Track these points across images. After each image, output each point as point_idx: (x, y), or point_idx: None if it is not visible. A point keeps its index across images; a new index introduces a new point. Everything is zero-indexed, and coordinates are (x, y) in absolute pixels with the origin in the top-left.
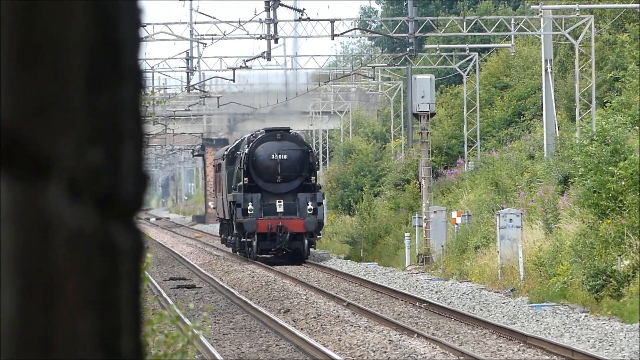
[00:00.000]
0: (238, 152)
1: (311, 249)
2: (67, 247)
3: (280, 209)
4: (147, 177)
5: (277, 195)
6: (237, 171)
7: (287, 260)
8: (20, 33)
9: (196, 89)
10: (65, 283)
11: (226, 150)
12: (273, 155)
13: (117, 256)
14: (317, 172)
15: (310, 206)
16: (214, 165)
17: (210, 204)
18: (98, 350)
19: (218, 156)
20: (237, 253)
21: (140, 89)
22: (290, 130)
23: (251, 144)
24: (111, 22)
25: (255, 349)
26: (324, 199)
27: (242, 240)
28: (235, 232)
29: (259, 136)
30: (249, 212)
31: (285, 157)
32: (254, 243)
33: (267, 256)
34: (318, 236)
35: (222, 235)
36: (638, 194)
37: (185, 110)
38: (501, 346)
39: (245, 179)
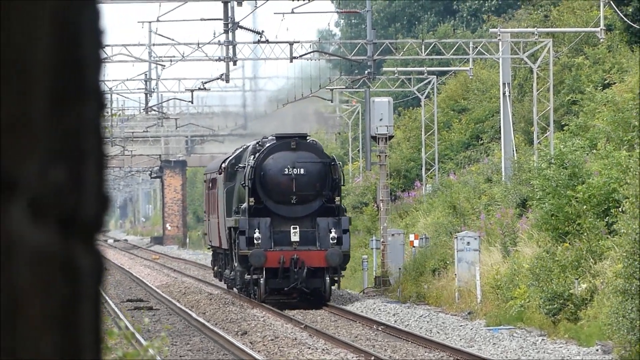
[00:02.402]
0: (240, 165)
1: (333, 289)
2: (29, 268)
3: (295, 237)
4: (108, 198)
5: (291, 220)
6: (240, 189)
7: (303, 302)
8: None
9: (154, 110)
10: (27, 303)
11: (224, 162)
12: (286, 170)
13: (79, 277)
14: (342, 189)
15: (333, 234)
16: (205, 182)
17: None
18: None
19: (211, 169)
20: (235, 291)
21: (102, 109)
22: (308, 138)
23: (258, 154)
24: (74, 43)
25: None
26: (350, 224)
27: (247, 277)
28: (236, 266)
29: (268, 145)
30: (255, 241)
31: (302, 171)
32: (262, 281)
33: (276, 296)
34: (342, 272)
35: (216, 268)
36: (596, 217)
37: (144, 131)
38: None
39: (251, 199)
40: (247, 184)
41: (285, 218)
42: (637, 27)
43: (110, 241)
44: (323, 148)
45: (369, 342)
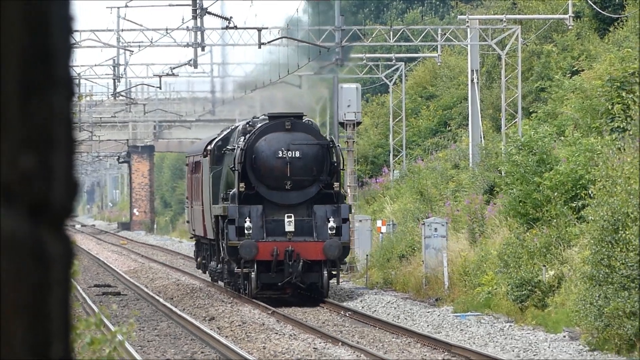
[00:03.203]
0: (228, 147)
1: (332, 283)
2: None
3: (289, 227)
4: (78, 185)
5: (285, 208)
6: (228, 174)
7: (298, 299)
8: None
9: (122, 95)
10: None
11: (209, 143)
12: (280, 152)
13: (49, 263)
14: (342, 174)
15: (332, 223)
16: (187, 165)
17: (187, 218)
18: (30, 355)
19: (194, 151)
20: (221, 284)
21: (71, 97)
22: (304, 117)
23: (249, 135)
24: (44, 30)
25: (180, 356)
26: (351, 212)
27: (236, 270)
28: (224, 258)
29: (260, 125)
30: (246, 231)
31: (298, 154)
32: (253, 275)
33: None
34: (342, 265)
35: (199, 259)
36: (564, 204)
37: (112, 117)
38: (425, 355)
39: (241, 184)
40: (236, 168)
41: (279, 206)
42: (606, 14)
43: (78, 226)
44: (319, 129)
45: (337, 328)
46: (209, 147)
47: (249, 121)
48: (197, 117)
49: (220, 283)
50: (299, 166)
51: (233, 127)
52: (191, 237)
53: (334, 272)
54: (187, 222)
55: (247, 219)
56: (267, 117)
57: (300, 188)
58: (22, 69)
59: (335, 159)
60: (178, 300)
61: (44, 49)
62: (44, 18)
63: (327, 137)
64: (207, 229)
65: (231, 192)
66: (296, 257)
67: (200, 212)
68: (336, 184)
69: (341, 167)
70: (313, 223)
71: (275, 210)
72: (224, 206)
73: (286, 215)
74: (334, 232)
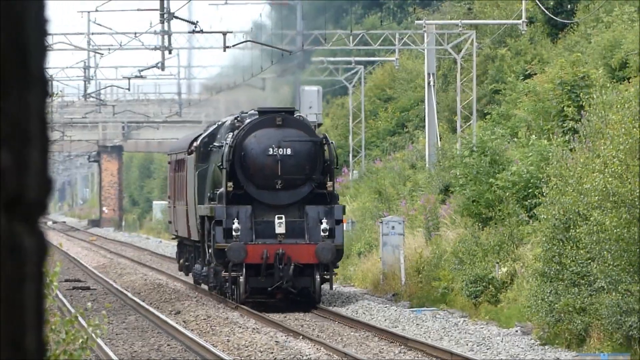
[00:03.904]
0: (215, 144)
1: (324, 288)
2: None
3: (280, 229)
4: (52, 181)
5: (276, 208)
6: (215, 172)
7: (289, 304)
8: None
9: (93, 97)
10: None
11: (195, 140)
12: (271, 150)
13: (23, 257)
14: (336, 173)
15: (325, 225)
16: (169, 163)
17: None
18: (6, 347)
19: (177, 149)
20: (205, 288)
21: (46, 96)
22: (295, 113)
23: (237, 131)
24: (19, 28)
25: (147, 349)
26: (344, 213)
27: (224, 274)
28: (211, 261)
29: (249, 120)
30: (234, 233)
31: (289, 151)
32: (242, 279)
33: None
34: (335, 269)
35: (181, 261)
36: (516, 203)
37: (82, 117)
38: (383, 348)
39: (229, 184)
40: (224, 166)
41: (269, 206)
42: (558, 19)
43: (50, 223)
44: (311, 126)
45: (298, 322)
46: (194, 144)
47: (237, 116)
48: (165, 118)
49: (204, 286)
50: (291, 164)
51: (220, 122)
52: (173, 238)
53: (326, 277)
54: (169, 222)
55: (236, 220)
56: (256, 112)
57: (291, 187)
58: None
59: (328, 157)
60: (145, 294)
61: (20, 49)
62: (19, 19)
63: (321, 134)
64: (192, 230)
65: (218, 192)
66: (287, 260)
67: (184, 212)
68: (329, 184)
69: (335, 166)
70: (305, 224)
71: (265, 210)
72: (210, 206)
73: (277, 216)
74: (327, 234)
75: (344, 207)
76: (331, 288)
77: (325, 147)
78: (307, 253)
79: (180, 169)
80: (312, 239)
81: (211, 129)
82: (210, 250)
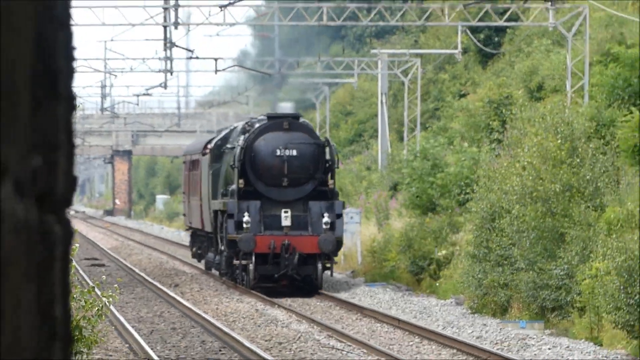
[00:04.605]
0: (228, 146)
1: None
2: (14, 234)
3: (286, 222)
4: (76, 179)
5: (282, 203)
6: (227, 171)
7: (294, 290)
8: None
9: (107, 110)
10: (13, 262)
11: (209, 142)
12: (278, 151)
13: (52, 242)
14: (336, 172)
15: (326, 219)
16: (184, 163)
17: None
18: (37, 315)
19: (192, 151)
20: (216, 273)
21: (72, 110)
22: (300, 118)
23: (248, 134)
24: (51, 56)
25: (151, 314)
26: (344, 208)
27: (235, 262)
28: (223, 250)
29: (259, 125)
30: (244, 225)
31: (295, 153)
32: (251, 267)
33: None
34: (335, 258)
35: (194, 249)
36: (452, 199)
37: (99, 127)
38: (343, 315)
39: (241, 181)
40: (236, 166)
41: (276, 201)
42: (487, 50)
43: (72, 212)
44: (314, 130)
45: (273, 294)
46: (208, 146)
47: (248, 121)
48: (166, 128)
49: (215, 272)
50: (296, 164)
51: (232, 127)
52: (187, 229)
53: (328, 265)
54: (184, 215)
55: (246, 214)
56: (265, 118)
57: (296, 185)
58: (33, 87)
59: (329, 158)
60: (150, 270)
61: (51, 71)
62: (52, 47)
63: (323, 138)
64: (205, 222)
65: (230, 188)
66: (292, 250)
67: (198, 207)
68: (331, 182)
69: (336, 166)
70: (308, 218)
71: (272, 205)
72: (223, 202)
73: (283, 210)
74: (328, 226)
75: (343, 202)
76: (331, 275)
77: (327, 149)
78: (310, 244)
79: (194, 168)
80: (314, 231)
81: (224, 132)
82: (222, 241)
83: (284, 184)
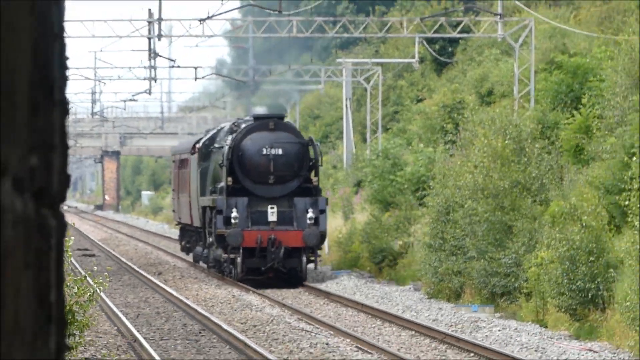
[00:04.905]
0: (215, 146)
1: (310, 268)
2: (14, 227)
3: (272, 217)
4: (69, 177)
5: (268, 200)
6: (215, 169)
7: (279, 281)
8: None
9: (97, 115)
10: (12, 252)
11: (197, 142)
12: (264, 150)
13: (48, 233)
14: (320, 170)
15: (310, 214)
16: (174, 162)
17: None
18: (34, 300)
19: (181, 150)
20: (203, 265)
21: (66, 114)
22: (285, 119)
23: (236, 134)
24: (47, 65)
25: (137, 300)
26: (327, 205)
27: (224, 256)
28: (212, 244)
29: (246, 125)
30: (232, 220)
31: (280, 151)
32: (239, 260)
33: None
34: (319, 252)
35: (183, 242)
36: (410, 194)
37: (90, 130)
38: (311, 300)
39: (229, 179)
40: (225, 164)
41: (263, 198)
42: (442, 59)
43: (65, 207)
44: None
45: (249, 282)
46: (197, 146)
47: (235, 122)
48: (151, 130)
49: (202, 264)
50: (281, 162)
51: (219, 127)
52: (176, 224)
53: (312, 258)
54: (173, 211)
55: (234, 210)
56: (251, 118)
57: (282, 182)
58: (30, 93)
59: (313, 156)
60: (136, 260)
61: (47, 79)
62: (47, 57)
63: (307, 137)
64: (194, 218)
65: (219, 186)
66: (278, 244)
67: (187, 203)
68: (314, 179)
69: (319, 164)
70: (294, 214)
71: (259, 202)
72: (212, 198)
73: (269, 206)
74: (312, 222)
75: (326, 199)
76: (315, 268)
77: (311, 148)
78: (295, 238)
79: (183, 166)
80: (299, 226)
81: (211, 133)
82: (211, 236)
83: (270, 182)
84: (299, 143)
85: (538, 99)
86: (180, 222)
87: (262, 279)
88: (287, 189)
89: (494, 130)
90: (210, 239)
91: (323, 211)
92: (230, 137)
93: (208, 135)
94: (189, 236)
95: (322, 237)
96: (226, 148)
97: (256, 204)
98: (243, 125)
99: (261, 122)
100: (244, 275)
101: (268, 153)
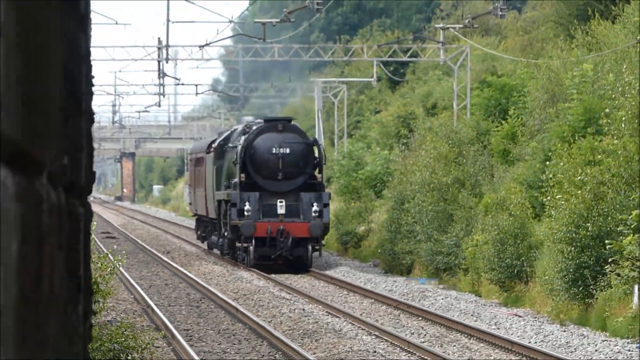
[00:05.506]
0: (229, 145)
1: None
2: (49, 215)
3: (281, 210)
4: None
5: (278, 194)
6: (229, 166)
7: (287, 268)
8: (23, 90)
9: (117, 123)
10: (48, 236)
11: (212, 142)
12: (274, 149)
13: (77, 219)
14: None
15: (315, 207)
16: (190, 160)
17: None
18: (66, 276)
19: (197, 150)
20: (217, 252)
21: (91, 123)
22: (292, 122)
23: (248, 135)
24: (76, 82)
25: (150, 274)
26: (330, 199)
27: (237, 244)
28: (227, 234)
29: (257, 127)
30: (245, 213)
31: (288, 150)
32: (251, 249)
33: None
34: (322, 242)
35: (199, 232)
36: (370, 189)
37: (111, 135)
38: (290, 274)
39: (242, 175)
40: (238, 162)
41: (273, 192)
42: (396, 78)
43: (91, 198)
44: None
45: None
46: (213, 145)
47: (247, 124)
48: (160, 136)
49: (216, 251)
50: (289, 161)
51: (232, 129)
52: (193, 216)
53: (316, 247)
54: (190, 204)
55: (247, 203)
56: (262, 121)
57: (289, 178)
58: (62, 105)
59: (317, 155)
60: (149, 241)
61: (77, 96)
62: (76, 76)
63: (312, 138)
64: (209, 210)
65: (233, 181)
66: (286, 234)
67: (203, 197)
68: (319, 176)
69: (323, 162)
70: (300, 207)
71: (269, 196)
72: (227, 192)
73: (278, 200)
74: (317, 214)
75: (329, 193)
76: (320, 255)
77: (315, 148)
78: (302, 229)
79: (199, 164)
80: (305, 218)
81: (225, 134)
82: (225, 226)
83: (279, 178)
84: (305, 143)
85: (473, 111)
86: (196, 214)
87: (272, 265)
88: (294, 184)
89: (440, 136)
90: (225, 230)
91: (326, 205)
92: (243, 138)
93: (222, 137)
94: (204, 226)
95: (326, 228)
96: (239, 147)
97: (266, 198)
98: (254, 127)
99: (271, 124)
100: (256, 262)
101: (277, 152)
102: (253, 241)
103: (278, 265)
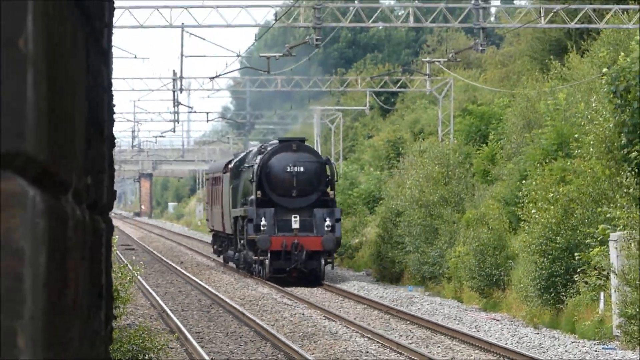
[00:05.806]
0: (245, 165)
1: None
2: (74, 230)
3: (295, 225)
4: (115, 193)
5: (292, 210)
6: (245, 185)
7: (301, 281)
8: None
9: (136, 147)
10: (73, 249)
11: (229, 163)
12: (288, 168)
13: (99, 234)
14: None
15: (328, 222)
16: (207, 180)
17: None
18: (89, 284)
19: (214, 170)
20: (232, 265)
21: (113, 146)
22: (305, 142)
23: (263, 155)
24: (98, 111)
25: (165, 282)
26: (342, 215)
27: (254, 258)
28: (243, 248)
29: (272, 147)
30: (262, 228)
31: (302, 169)
32: (267, 262)
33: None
34: (335, 255)
35: (215, 246)
36: (363, 205)
37: (130, 157)
38: (291, 283)
39: (258, 192)
40: (254, 180)
41: (287, 208)
42: (386, 107)
43: (112, 214)
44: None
45: (246, 271)
46: (229, 166)
47: (262, 145)
48: (175, 158)
49: (232, 265)
50: (303, 179)
51: (248, 150)
52: (210, 231)
53: (329, 261)
54: (207, 220)
55: (263, 219)
56: (277, 141)
57: (303, 195)
58: (86, 131)
59: (330, 173)
60: (164, 253)
61: (99, 123)
62: (99, 105)
63: (324, 157)
64: (226, 226)
65: (250, 198)
66: (300, 248)
67: (220, 214)
68: (331, 193)
69: (335, 180)
70: (313, 222)
71: (284, 212)
72: (244, 209)
73: (293, 216)
74: (329, 229)
75: (341, 210)
76: (332, 268)
77: (327, 167)
78: (315, 243)
79: (216, 183)
80: (318, 232)
81: (241, 155)
82: (242, 241)
83: (293, 195)
84: (318, 162)
85: (456, 136)
86: (213, 229)
87: (287, 278)
88: (307, 201)
89: (429, 158)
90: (241, 245)
91: (338, 220)
92: (259, 157)
93: (238, 157)
94: (221, 241)
95: (338, 242)
96: (255, 166)
97: (281, 213)
98: (269, 147)
99: (285, 144)
100: (271, 274)
101: (291, 170)
102: (269, 254)
103: (293, 279)
